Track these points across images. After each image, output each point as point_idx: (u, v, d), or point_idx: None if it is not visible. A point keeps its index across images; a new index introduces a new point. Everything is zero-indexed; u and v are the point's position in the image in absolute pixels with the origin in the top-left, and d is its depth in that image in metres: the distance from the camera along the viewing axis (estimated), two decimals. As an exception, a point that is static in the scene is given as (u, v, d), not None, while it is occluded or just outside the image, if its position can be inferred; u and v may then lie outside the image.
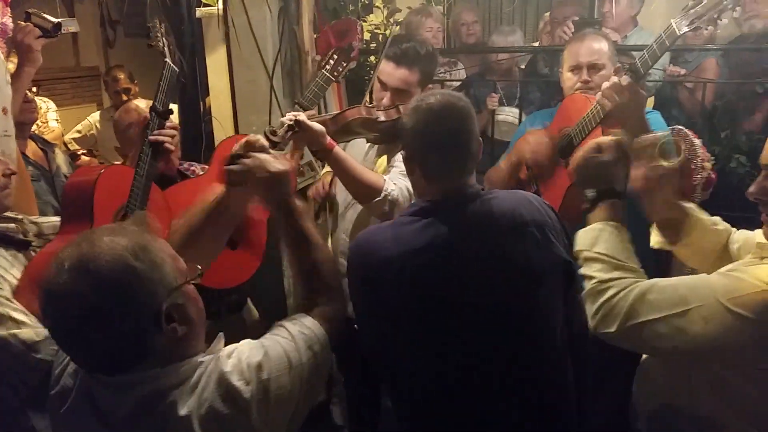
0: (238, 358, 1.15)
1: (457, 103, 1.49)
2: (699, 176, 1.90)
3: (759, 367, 1.23)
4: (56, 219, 1.94)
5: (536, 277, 1.43)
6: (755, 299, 1.18)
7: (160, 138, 1.93)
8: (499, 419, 1.45)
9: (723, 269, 1.30)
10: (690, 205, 1.60)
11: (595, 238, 1.39)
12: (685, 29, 1.69)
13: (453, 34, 4.03)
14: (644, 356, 1.55)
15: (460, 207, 1.46)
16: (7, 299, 1.58)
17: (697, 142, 2.09)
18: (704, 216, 1.58)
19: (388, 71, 2.12)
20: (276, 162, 1.42)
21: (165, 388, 1.09)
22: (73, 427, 1.15)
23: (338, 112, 2.10)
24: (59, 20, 2.13)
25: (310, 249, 1.38)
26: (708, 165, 1.94)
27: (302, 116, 1.89)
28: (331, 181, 2.45)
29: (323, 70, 2.25)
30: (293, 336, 1.23)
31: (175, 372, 1.11)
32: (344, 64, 2.27)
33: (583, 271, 1.39)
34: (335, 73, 2.27)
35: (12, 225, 1.74)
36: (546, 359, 1.47)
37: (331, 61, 2.25)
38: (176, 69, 1.97)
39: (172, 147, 1.98)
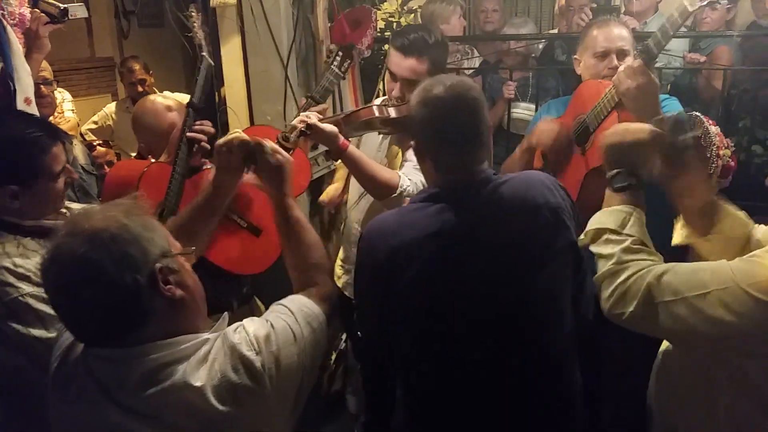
0: (245, 331, 1.18)
1: (467, 93, 1.48)
2: (714, 164, 1.87)
3: None
4: (88, 207, 1.95)
5: (548, 259, 1.43)
6: None
7: (198, 137, 1.93)
8: (509, 401, 1.46)
9: (744, 256, 1.27)
10: (717, 197, 1.54)
11: (626, 220, 1.35)
12: (698, 5, 1.66)
13: (474, 21, 4.00)
14: (661, 350, 1.53)
15: (472, 192, 1.46)
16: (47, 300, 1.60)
17: (713, 129, 2.06)
18: (730, 207, 1.52)
19: (397, 62, 2.11)
20: (282, 153, 1.49)
21: (172, 360, 1.10)
22: (81, 409, 1.14)
23: (351, 111, 2.11)
24: (66, 6, 2.14)
25: (304, 233, 1.44)
26: (726, 152, 1.91)
27: (314, 119, 1.89)
28: (344, 187, 2.45)
29: (332, 67, 2.26)
30: (293, 313, 1.28)
31: (181, 344, 1.12)
32: (349, 61, 2.27)
33: (600, 249, 1.36)
34: (342, 69, 2.26)
35: (60, 222, 1.75)
36: (555, 342, 1.48)
37: (338, 58, 2.25)
38: (212, 62, 1.96)
39: (208, 146, 1.97)
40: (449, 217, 1.43)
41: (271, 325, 1.21)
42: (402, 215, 1.51)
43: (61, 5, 2.14)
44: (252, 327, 1.19)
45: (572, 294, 1.51)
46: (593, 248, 1.38)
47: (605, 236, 1.36)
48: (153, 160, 2.13)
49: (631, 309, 1.27)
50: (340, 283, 2.53)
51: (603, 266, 1.34)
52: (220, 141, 1.51)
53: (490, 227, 1.44)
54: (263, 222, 2.07)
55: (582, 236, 1.41)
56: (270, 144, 1.49)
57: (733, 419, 1.32)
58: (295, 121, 1.94)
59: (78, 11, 2.15)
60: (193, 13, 2.03)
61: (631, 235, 1.33)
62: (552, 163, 2.15)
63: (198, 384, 1.09)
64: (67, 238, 1.08)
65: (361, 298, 1.58)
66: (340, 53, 2.25)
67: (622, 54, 2.05)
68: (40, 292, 1.56)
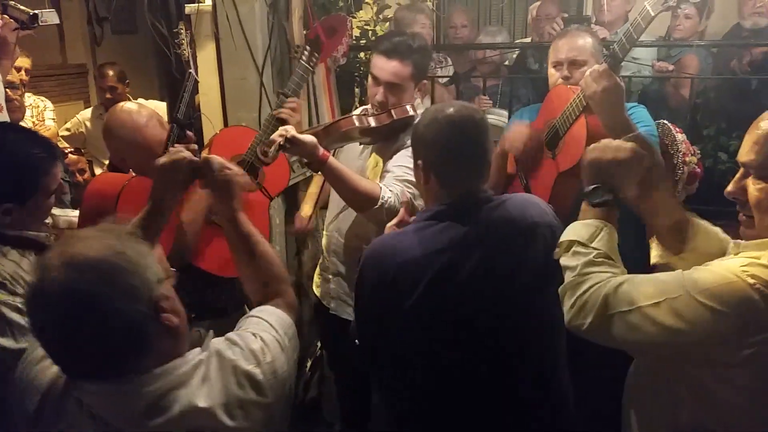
0: (239, 347, 1.18)
1: (475, 115, 1.57)
2: (680, 171, 1.92)
3: (730, 365, 1.21)
4: (72, 212, 1.93)
5: (548, 275, 1.48)
6: (724, 290, 1.17)
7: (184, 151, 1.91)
8: (509, 415, 1.53)
9: (700, 266, 1.28)
10: (691, 214, 1.55)
11: (595, 234, 1.37)
12: (660, 9, 1.71)
13: (444, 33, 4.05)
14: (631, 367, 1.54)
15: (476, 210, 1.53)
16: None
17: (680, 137, 2.12)
18: (704, 224, 1.53)
19: (380, 65, 2.11)
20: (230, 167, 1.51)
21: (173, 386, 1.09)
22: None
23: (330, 123, 2.11)
24: (36, 12, 2.10)
25: (260, 246, 1.44)
26: (693, 159, 1.96)
27: (292, 131, 1.89)
28: (311, 215, 2.45)
29: (301, 62, 2.27)
30: (272, 325, 1.29)
31: (178, 369, 1.11)
32: (317, 55, 2.29)
33: (567, 261, 1.38)
34: (311, 63, 2.28)
35: (42, 234, 1.73)
36: (551, 353, 1.57)
37: (305, 53, 2.27)
38: (197, 79, 1.95)
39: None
40: (455, 233, 1.50)
41: (261, 338, 1.23)
42: (408, 234, 1.56)
43: (30, 11, 2.11)
44: (243, 341, 1.20)
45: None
46: (562, 260, 1.40)
47: (573, 248, 1.38)
48: (133, 174, 2.10)
49: (589, 320, 1.27)
50: (318, 292, 2.52)
51: (567, 277, 1.36)
52: (164, 160, 1.51)
53: (496, 242, 1.50)
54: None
55: (557, 249, 1.43)
56: (218, 160, 1.49)
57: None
58: (273, 136, 1.93)
59: (49, 17, 2.11)
60: (181, 31, 2.01)
61: (597, 249, 1.34)
62: (524, 167, 2.18)
63: (206, 405, 1.09)
64: (60, 269, 1.02)
65: (365, 312, 1.61)
66: (308, 47, 2.27)
67: (575, 64, 2.09)
68: (14, 300, 1.55)
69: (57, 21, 2.13)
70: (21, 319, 1.53)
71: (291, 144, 1.86)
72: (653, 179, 1.43)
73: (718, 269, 1.22)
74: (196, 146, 1.97)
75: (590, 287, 1.29)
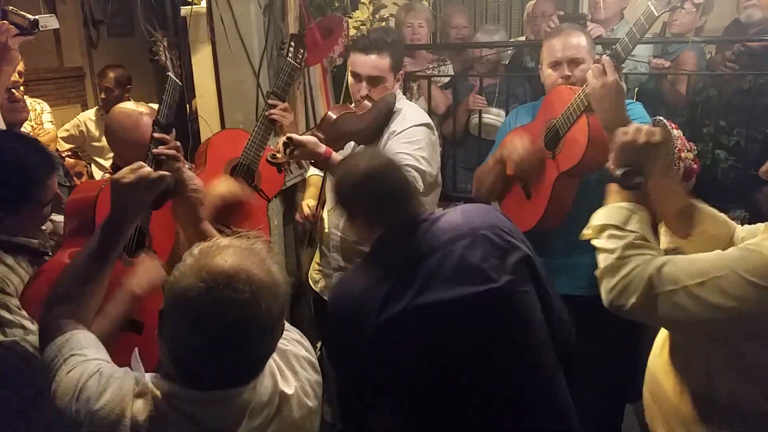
0: (284, 339, 1.26)
1: (384, 159, 1.62)
2: (677, 167, 1.93)
3: None
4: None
5: (499, 274, 1.47)
6: None
7: (166, 152, 1.89)
8: (491, 416, 1.49)
9: (739, 245, 1.34)
10: (696, 200, 1.60)
11: (628, 217, 1.41)
12: (663, 9, 1.72)
13: (441, 33, 4.04)
14: (655, 348, 1.57)
15: (413, 230, 1.54)
16: (18, 308, 1.59)
17: (676, 132, 2.12)
18: (709, 209, 1.58)
19: (360, 61, 2.20)
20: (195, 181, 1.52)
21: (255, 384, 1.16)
22: None
23: (320, 120, 2.15)
24: (37, 17, 2.10)
25: None
26: (689, 155, 1.97)
27: (293, 135, 1.93)
28: (317, 203, 2.46)
29: (287, 59, 2.29)
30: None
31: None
32: (302, 50, 2.32)
33: (603, 244, 1.40)
34: (298, 59, 2.30)
35: (35, 241, 1.74)
36: (534, 349, 1.52)
37: (291, 49, 2.28)
38: (179, 83, 1.96)
39: (178, 161, 1.95)
40: (395, 257, 1.51)
41: (293, 330, 1.34)
42: (354, 272, 1.60)
43: (31, 17, 2.11)
44: (288, 334, 1.29)
45: (542, 312, 1.55)
46: (595, 242, 1.43)
47: (608, 231, 1.41)
48: (108, 176, 2.10)
49: (633, 300, 1.32)
50: (317, 288, 2.53)
51: (604, 260, 1.39)
52: (127, 178, 1.37)
53: (435, 253, 1.49)
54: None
55: (586, 230, 1.46)
56: (187, 173, 1.51)
57: (732, 400, 1.36)
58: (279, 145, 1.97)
59: (49, 22, 2.12)
60: (158, 38, 2.02)
61: (633, 231, 1.39)
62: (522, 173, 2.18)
63: (291, 392, 1.20)
64: (245, 286, 1.04)
65: (336, 353, 1.62)
66: (293, 43, 2.29)
67: (574, 62, 2.09)
68: (2, 298, 1.57)
69: (57, 26, 2.13)
70: (10, 317, 1.56)
71: (292, 143, 1.88)
72: (664, 167, 1.48)
73: (760, 248, 1.26)
74: (179, 143, 1.96)
75: (633, 269, 1.33)
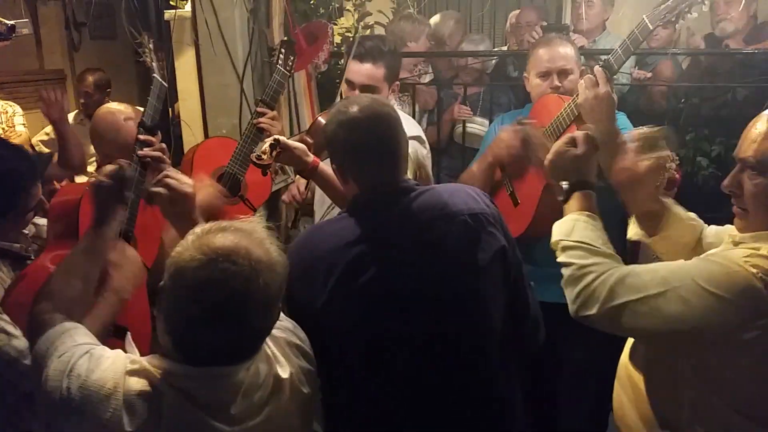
0: (277, 328, 1.27)
1: (382, 109, 1.50)
2: (661, 176, 1.94)
3: (734, 347, 1.27)
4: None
5: (471, 263, 1.45)
6: (729, 279, 1.24)
7: (151, 155, 1.87)
8: (442, 411, 1.45)
9: (701, 255, 1.36)
10: (668, 200, 1.65)
11: (571, 228, 1.43)
12: (658, 23, 1.74)
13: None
14: (623, 356, 1.57)
15: (393, 200, 1.48)
16: (0, 312, 1.56)
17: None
18: (681, 211, 1.64)
19: (354, 69, 2.16)
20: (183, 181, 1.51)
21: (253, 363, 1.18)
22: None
23: (311, 124, 2.11)
24: (13, 23, 2.09)
25: None
26: (672, 165, 1.98)
27: (281, 137, 1.89)
28: (307, 185, 2.43)
29: (277, 66, 2.27)
30: None
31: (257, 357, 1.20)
32: (292, 58, 2.29)
33: (561, 258, 1.43)
34: (287, 67, 2.28)
35: (17, 245, 1.72)
36: (488, 344, 1.48)
37: (281, 56, 2.27)
38: (165, 85, 1.94)
39: (164, 163, 1.92)
40: (367, 225, 1.45)
41: (286, 319, 1.34)
42: (321, 228, 1.56)
43: (8, 22, 2.09)
44: (282, 323, 1.31)
45: (507, 303, 1.52)
46: (558, 258, 1.45)
47: (560, 245, 1.44)
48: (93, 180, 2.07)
49: (595, 310, 1.32)
50: None
51: (566, 272, 1.41)
52: (98, 179, 1.46)
53: (409, 231, 1.45)
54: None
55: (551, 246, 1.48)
56: (174, 177, 1.48)
57: (697, 412, 1.36)
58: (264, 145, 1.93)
59: (24, 28, 2.11)
60: (145, 40, 2.00)
61: (580, 241, 1.40)
62: (510, 175, 2.18)
63: (286, 376, 1.22)
64: (246, 261, 1.07)
65: (287, 304, 1.53)
66: (283, 50, 2.27)
67: (563, 73, 2.10)
68: None
69: (31, 32, 2.12)
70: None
71: (280, 146, 1.85)
72: (645, 174, 1.55)
73: (721, 260, 1.29)
74: (164, 145, 1.94)
75: (594, 279, 1.34)
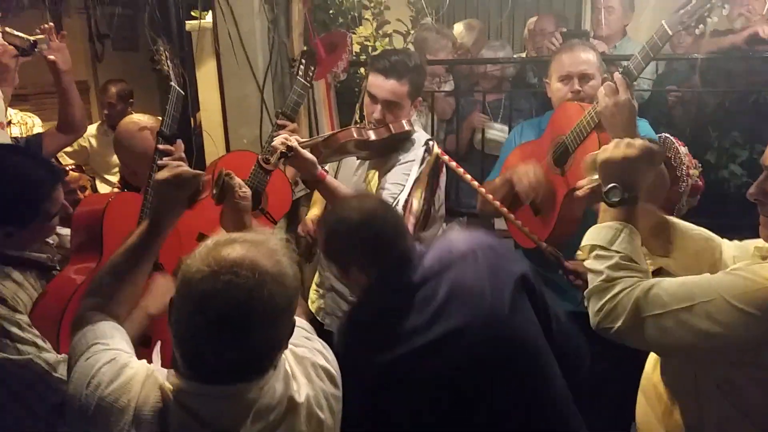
0: (303, 346, 1.26)
1: (378, 208, 1.60)
2: (684, 183, 1.93)
3: (760, 365, 1.24)
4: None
5: (497, 296, 1.48)
6: (760, 296, 1.20)
7: (169, 163, 1.90)
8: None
9: (727, 269, 1.31)
10: (667, 216, 1.59)
11: (615, 236, 1.37)
12: (678, 28, 1.72)
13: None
14: (647, 367, 1.55)
15: (408, 267, 1.54)
16: (29, 326, 1.58)
17: (683, 150, 2.12)
18: (686, 224, 1.57)
19: (378, 84, 2.13)
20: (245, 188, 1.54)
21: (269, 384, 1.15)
22: None
23: (330, 134, 2.11)
24: (35, 38, 2.13)
25: None
26: (695, 172, 1.97)
27: (294, 142, 1.89)
28: (320, 217, 2.44)
29: (297, 77, 2.28)
30: (304, 328, 1.35)
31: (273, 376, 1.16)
32: (313, 68, 2.30)
33: (592, 265, 1.39)
34: (308, 78, 2.29)
35: (44, 256, 1.74)
36: (543, 369, 1.53)
37: (302, 67, 2.28)
38: (182, 92, 1.96)
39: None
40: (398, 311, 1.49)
41: (315, 340, 1.32)
42: (372, 318, 1.55)
43: (30, 38, 2.13)
44: (309, 343, 1.28)
45: (543, 325, 1.56)
46: (586, 263, 1.42)
47: (595, 252, 1.39)
48: (117, 190, 2.10)
49: (619, 324, 1.29)
50: (313, 308, 2.51)
51: (593, 281, 1.37)
52: (165, 174, 1.42)
53: (433, 286, 1.49)
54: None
55: (579, 252, 1.45)
56: (237, 179, 1.51)
57: (722, 429, 1.34)
58: (276, 142, 1.93)
59: (45, 44, 2.15)
60: (160, 48, 2.03)
61: (618, 252, 1.36)
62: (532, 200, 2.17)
63: (302, 399, 1.18)
64: (252, 273, 1.05)
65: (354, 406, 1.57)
66: (303, 60, 2.27)
67: (584, 77, 2.10)
68: (14, 316, 1.55)
69: (48, 48, 2.15)
70: (23, 334, 1.54)
71: (292, 153, 1.87)
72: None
73: (749, 275, 1.24)
74: (183, 154, 1.96)
75: (620, 291, 1.30)
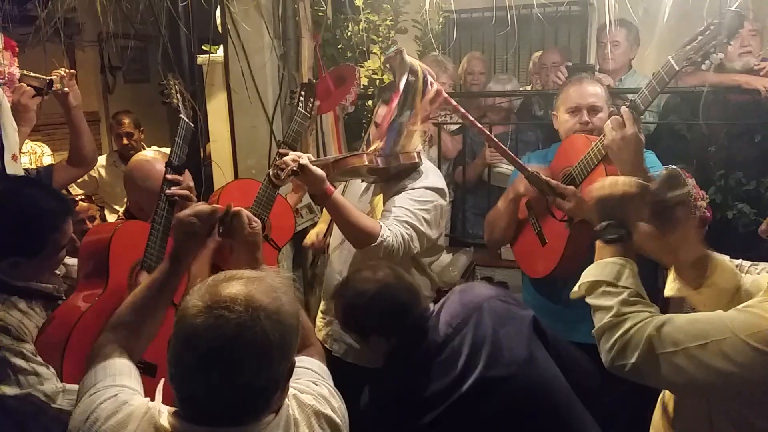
0: (309, 393, 1.23)
1: (391, 276, 1.70)
2: (693, 215, 1.93)
3: None
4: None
5: (519, 340, 1.58)
6: None
7: (178, 193, 1.93)
8: None
9: (739, 306, 1.29)
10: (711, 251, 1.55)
11: (620, 272, 1.36)
12: (684, 64, 1.74)
13: (458, 80, 4.11)
14: (660, 402, 1.54)
15: (425, 330, 1.62)
16: (33, 354, 1.58)
17: (690, 181, 2.12)
18: (725, 259, 1.55)
19: (383, 114, 2.15)
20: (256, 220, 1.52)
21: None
22: None
23: (341, 156, 2.13)
24: (51, 78, 2.18)
25: None
26: (702, 203, 1.97)
27: (306, 160, 1.91)
28: (326, 231, 2.47)
29: (298, 108, 2.31)
30: (317, 372, 1.34)
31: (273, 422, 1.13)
32: (312, 100, 2.34)
33: (598, 301, 1.36)
34: (308, 109, 2.33)
35: (50, 286, 1.75)
36: (568, 398, 1.60)
37: (301, 98, 2.31)
38: (191, 125, 1.99)
39: (192, 201, 1.96)
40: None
41: (324, 384, 1.29)
42: (397, 382, 1.62)
43: (46, 77, 2.17)
44: (316, 388, 1.26)
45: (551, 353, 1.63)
46: (590, 300, 1.39)
47: (601, 288, 1.36)
48: (123, 218, 2.11)
49: (632, 360, 1.27)
50: (320, 336, 2.50)
51: (601, 318, 1.34)
52: (187, 213, 1.43)
53: (454, 345, 1.57)
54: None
55: (576, 288, 1.42)
56: (246, 212, 1.49)
57: None
58: (287, 158, 1.94)
59: (59, 83, 2.21)
60: (171, 81, 2.06)
61: (627, 287, 1.34)
62: (536, 213, 2.18)
63: None
64: (247, 312, 1.03)
65: None
66: (303, 92, 2.31)
67: (593, 110, 2.12)
68: (18, 346, 1.56)
69: (61, 86, 2.21)
70: (25, 365, 1.55)
71: (302, 171, 1.89)
72: (678, 216, 1.45)
73: (763, 312, 1.23)
74: (192, 185, 1.98)
75: (631, 327, 1.28)
